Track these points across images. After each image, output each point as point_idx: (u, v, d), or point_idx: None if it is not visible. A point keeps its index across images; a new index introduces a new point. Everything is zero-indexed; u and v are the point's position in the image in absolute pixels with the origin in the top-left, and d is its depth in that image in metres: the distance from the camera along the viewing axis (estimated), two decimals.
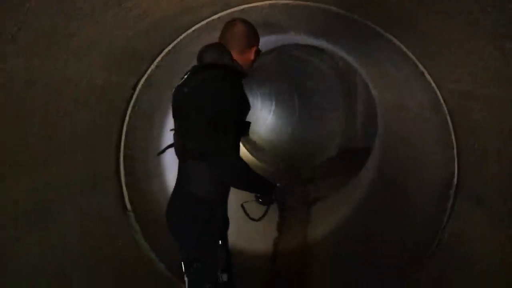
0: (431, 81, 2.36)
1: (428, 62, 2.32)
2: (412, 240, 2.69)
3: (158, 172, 3.14)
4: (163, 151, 2.20)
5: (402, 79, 2.91)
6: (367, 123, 6.63)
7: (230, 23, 1.99)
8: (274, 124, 10.69)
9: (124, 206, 2.76)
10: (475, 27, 1.66)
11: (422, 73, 2.38)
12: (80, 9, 1.61)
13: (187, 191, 1.91)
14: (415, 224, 2.71)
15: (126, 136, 2.71)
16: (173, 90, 1.96)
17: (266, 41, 4.05)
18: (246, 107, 1.85)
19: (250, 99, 8.63)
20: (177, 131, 1.96)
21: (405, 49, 2.40)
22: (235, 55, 1.95)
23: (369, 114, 5.99)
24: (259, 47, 2.02)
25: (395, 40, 2.40)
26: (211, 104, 1.72)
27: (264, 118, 11.37)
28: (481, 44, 1.74)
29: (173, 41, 2.58)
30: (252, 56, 1.99)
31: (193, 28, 2.54)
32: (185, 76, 1.95)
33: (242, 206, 2.07)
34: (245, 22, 1.99)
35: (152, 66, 2.62)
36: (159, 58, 2.60)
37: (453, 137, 2.38)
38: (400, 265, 2.68)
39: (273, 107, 11.39)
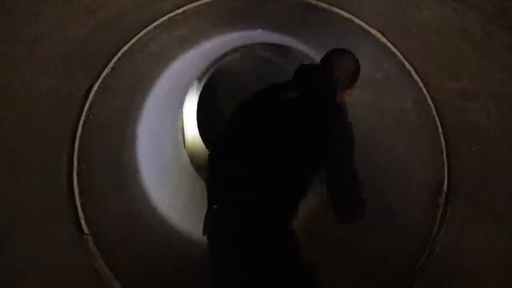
0: (417, 77, 2.18)
1: (412, 55, 2.14)
2: (398, 253, 2.51)
3: (120, 187, 2.80)
4: None
5: (381, 76, 2.73)
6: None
7: (343, 54, 1.92)
8: None
9: (80, 229, 2.41)
10: (468, 12, 1.46)
11: (406, 69, 2.19)
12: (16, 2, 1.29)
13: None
14: (401, 236, 2.53)
15: (79, 150, 2.36)
16: (259, 98, 1.90)
17: (230, 39, 3.79)
18: None
19: (213, 102, 8.32)
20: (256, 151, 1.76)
21: (385, 41, 2.20)
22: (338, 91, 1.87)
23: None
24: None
25: (373, 31, 2.19)
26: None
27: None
28: (475, 30, 1.54)
29: (131, 39, 2.26)
30: (347, 96, 1.97)
31: (154, 24, 2.23)
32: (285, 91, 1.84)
33: None
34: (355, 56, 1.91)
35: (107, 69, 2.29)
36: (115, 59, 2.27)
37: (442, 139, 2.22)
38: (386, 281, 2.49)
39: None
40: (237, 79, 8.63)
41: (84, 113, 2.32)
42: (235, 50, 5.98)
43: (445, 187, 2.25)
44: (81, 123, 2.33)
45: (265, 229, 1.68)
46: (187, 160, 5.16)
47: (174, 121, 4.95)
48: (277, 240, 1.68)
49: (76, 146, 2.35)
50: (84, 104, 2.30)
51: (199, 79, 6.53)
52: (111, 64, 2.28)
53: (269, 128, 1.76)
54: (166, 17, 2.21)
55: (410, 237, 2.45)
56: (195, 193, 4.76)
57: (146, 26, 2.24)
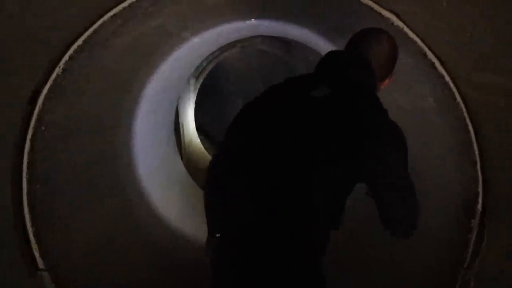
0: (443, 71, 1.71)
1: (437, 42, 1.68)
2: (424, 283, 2.05)
3: (82, 210, 2.37)
4: None
5: (398, 70, 2.27)
6: None
7: (375, 34, 1.52)
8: None
9: (34, 264, 2.00)
10: None
11: (430, 61, 1.73)
12: None
13: None
14: (427, 262, 2.07)
15: (28, 168, 1.94)
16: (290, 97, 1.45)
17: (222, 32, 3.35)
18: None
19: (216, 99, 7.90)
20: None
21: (401, 25, 1.73)
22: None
23: None
24: None
25: (385, 13, 1.73)
26: None
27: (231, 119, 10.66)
28: None
29: (85, 32, 1.84)
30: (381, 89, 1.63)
31: (112, 13, 1.80)
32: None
33: None
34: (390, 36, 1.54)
35: (58, 70, 1.86)
36: (66, 57, 1.85)
37: (475, 148, 1.75)
38: None
39: (240, 108, 10.70)
40: (238, 76, 8.19)
41: (32, 123, 1.90)
42: (232, 45, 5.55)
43: (479, 207, 1.79)
44: (28, 135, 1.91)
45: (285, 270, 1.27)
46: (181, 166, 4.75)
47: (168, 123, 4.54)
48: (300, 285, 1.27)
49: (25, 162, 1.94)
50: (31, 113, 1.88)
51: (196, 77, 6.11)
52: (61, 64, 1.85)
53: (295, 136, 1.33)
54: (126, 3, 1.77)
55: (434, 268, 1.99)
56: (190, 195, 4.39)
57: (103, 16, 1.80)
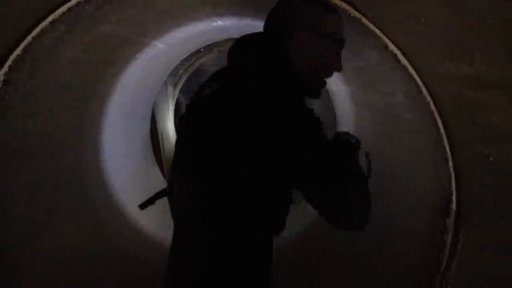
0: (406, 63, 1.61)
1: (397, 32, 1.57)
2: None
3: (37, 233, 2.21)
4: None
5: (362, 64, 2.16)
6: (326, 122, 5.95)
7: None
8: None
9: None
10: None
11: (392, 52, 1.63)
12: None
13: None
14: (403, 266, 1.96)
15: None
16: None
17: (193, 34, 3.22)
18: None
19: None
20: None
21: (358, 16, 1.63)
22: None
23: (327, 114, 5.29)
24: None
25: (341, 4, 1.61)
26: None
27: None
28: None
29: (25, 37, 1.70)
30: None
31: (51, 18, 1.67)
32: None
33: None
34: None
35: None
36: (5, 68, 1.71)
37: (446, 143, 1.65)
38: None
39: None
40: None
41: None
42: (208, 50, 5.44)
43: (454, 206, 1.69)
44: None
45: (230, 273, 1.19)
46: (160, 176, 4.61)
47: (142, 133, 4.39)
48: None
49: None
50: None
51: (174, 85, 5.99)
52: (0, 75, 1.72)
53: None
54: (64, 8, 1.64)
55: (411, 272, 1.88)
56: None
57: (40, 22, 1.67)
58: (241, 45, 1.29)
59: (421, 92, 1.61)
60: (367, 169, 1.40)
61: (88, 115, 2.59)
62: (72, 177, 2.59)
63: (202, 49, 5.43)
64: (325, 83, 1.37)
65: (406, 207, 1.91)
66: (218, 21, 2.99)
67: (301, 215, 3.22)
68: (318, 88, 1.36)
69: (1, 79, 1.73)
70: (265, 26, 1.33)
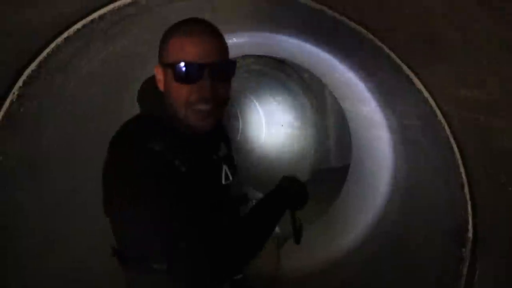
0: (420, 86, 1.57)
1: (411, 55, 1.54)
2: None
3: (50, 245, 2.21)
4: None
5: (375, 85, 2.13)
6: (342, 142, 5.90)
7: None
8: (242, 145, 9.89)
9: None
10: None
11: (406, 75, 1.59)
12: None
13: None
14: None
15: None
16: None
17: None
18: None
19: None
20: None
21: (373, 39, 1.60)
22: None
23: (343, 132, 5.25)
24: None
25: (354, 26, 1.59)
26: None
27: (233, 139, 10.59)
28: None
29: (41, 52, 1.73)
30: (161, 84, 1.14)
31: (66, 35, 1.70)
32: None
33: None
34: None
35: (12, 96, 1.75)
36: (20, 83, 1.73)
37: (461, 169, 1.60)
38: None
39: (241, 128, 10.63)
40: (233, 97, 8.10)
41: None
42: None
43: (470, 235, 1.62)
44: None
45: None
46: None
47: None
48: None
49: None
50: None
51: None
52: (14, 90, 1.74)
53: None
54: (79, 25, 1.66)
55: None
56: None
57: (56, 37, 1.69)
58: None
59: (436, 115, 1.56)
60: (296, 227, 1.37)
61: (100, 129, 2.61)
62: (84, 191, 2.59)
63: None
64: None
65: (421, 230, 1.84)
66: (233, 39, 3.00)
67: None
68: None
69: (16, 93, 1.76)
70: None
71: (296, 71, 6.34)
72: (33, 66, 1.72)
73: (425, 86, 1.52)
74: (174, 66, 1.05)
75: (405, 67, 1.53)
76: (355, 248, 2.57)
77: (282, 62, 6.23)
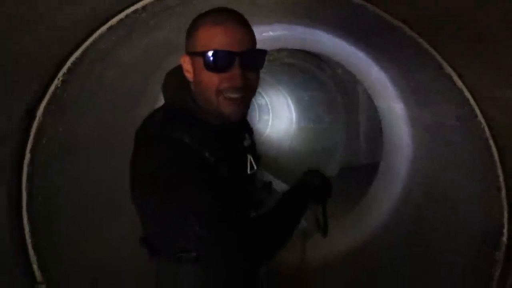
0: (462, 86, 1.54)
1: (455, 54, 1.51)
2: None
3: (88, 226, 2.31)
4: None
5: (415, 84, 2.09)
6: (372, 139, 5.82)
7: None
8: (271, 137, 9.90)
9: (32, 277, 1.96)
10: None
11: (447, 74, 1.56)
12: None
13: None
14: None
15: (28, 180, 1.91)
16: None
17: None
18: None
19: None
20: None
21: (414, 36, 1.57)
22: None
23: (374, 129, 5.17)
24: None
25: (397, 23, 1.57)
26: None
27: (262, 131, 10.61)
28: None
29: (85, 40, 1.79)
30: (188, 73, 1.13)
31: (109, 24, 1.75)
32: None
33: None
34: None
35: (57, 82, 1.83)
36: (64, 69, 1.81)
37: (499, 171, 1.56)
38: None
39: (270, 120, 10.64)
40: (265, 89, 8.13)
41: (31, 137, 1.87)
42: None
43: (504, 239, 1.59)
44: (28, 148, 1.88)
45: None
46: None
47: None
48: None
49: (24, 176, 1.90)
50: (30, 125, 1.85)
51: None
52: (59, 76, 1.81)
53: None
54: (122, 15, 1.71)
55: None
56: None
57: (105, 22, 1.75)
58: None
59: (476, 116, 1.53)
60: (320, 221, 1.36)
61: (139, 119, 2.68)
62: (122, 181, 2.67)
63: None
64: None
65: (455, 236, 1.82)
66: (270, 32, 3.01)
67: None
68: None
69: (60, 79, 1.83)
70: None
71: (329, 66, 6.28)
72: (77, 53, 1.79)
73: (467, 87, 1.49)
74: (204, 54, 1.04)
75: (445, 65, 1.51)
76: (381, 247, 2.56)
77: (317, 57, 6.18)
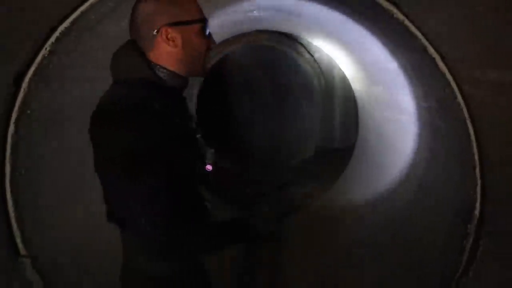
0: (444, 68, 1.62)
1: (438, 36, 1.58)
2: None
3: (72, 198, 2.31)
4: None
5: (396, 67, 2.17)
6: (348, 122, 5.95)
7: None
8: (247, 120, 9.93)
9: (15, 250, 1.95)
10: None
11: (430, 57, 1.64)
12: None
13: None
14: (420, 268, 1.98)
15: (12, 152, 1.88)
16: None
17: (230, 21, 3.26)
18: (182, 142, 1.17)
19: (220, 95, 7.86)
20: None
21: (401, 18, 1.63)
22: (151, 54, 1.20)
23: (350, 113, 5.29)
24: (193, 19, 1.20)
25: (384, 4, 1.62)
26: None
27: (237, 114, 10.61)
28: None
29: (75, 10, 1.76)
30: (165, 46, 1.18)
31: None
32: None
33: None
34: None
35: (44, 51, 1.80)
36: (52, 39, 1.78)
37: (475, 150, 1.66)
38: None
39: (247, 103, 10.64)
40: (242, 71, 8.11)
41: (16, 106, 1.84)
42: (236, 40, 5.47)
43: (476, 213, 1.70)
44: (13, 118, 1.85)
45: None
46: None
47: None
48: None
49: (8, 146, 1.88)
50: (16, 95, 1.82)
51: None
52: (47, 45, 1.78)
53: None
54: None
55: (425, 275, 1.90)
56: None
57: None
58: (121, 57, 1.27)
59: (455, 97, 1.62)
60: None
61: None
62: None
63: (230, 39, 5.47)
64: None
65: (428, 208, 1.93)
66: (254, 12, 3.02)
67: None
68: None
69: (48, 49, 1.80)
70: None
71: (307, 50, 6.33)
72: (66, 23, 1.77)
73: (449, 69, 1.57)
74: (205, 21, 1.22)
75: (430, 48, 1.58)
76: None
77: (294, 40, 6.21)
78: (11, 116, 1.84)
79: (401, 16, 1.56)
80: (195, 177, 1.27)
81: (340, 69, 4.84)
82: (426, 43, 1.57)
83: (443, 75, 1.61)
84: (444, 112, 1.84)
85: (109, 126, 1.11)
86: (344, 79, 5.01)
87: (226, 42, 5.45)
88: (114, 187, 1.12)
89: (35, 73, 1.82)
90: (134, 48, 1.21)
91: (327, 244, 2.81)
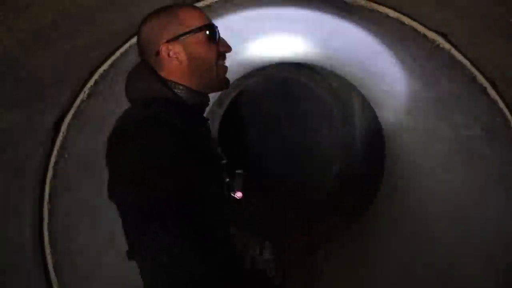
0: (496, 96, 1.56)
1: (489, 67, 1.54)
2: None
3: (108, 243, 2.25)
4: None
5: (437, 95, 2.12)
6: (370, 150, 5.87)
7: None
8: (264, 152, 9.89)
9: None
10: None
11: (481, 86, 1.59)
12: None
13: None
14: None
15: (50, 197, 1.86)
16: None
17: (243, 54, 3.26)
18: (203, 161, 1.05)
19: (237, 128, 7.87)
20: None
21: (447, 47, 1.60)
22: (163, 73, 1.14)
23: (373, 141, 5.21)
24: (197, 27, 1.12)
25: (426, 33, 1.59)
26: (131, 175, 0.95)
27: (253, 146, 10.59)
28: None
29: (114, 53, 1.77)
30: (171, 63, 1.13)
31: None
32: None
33: None
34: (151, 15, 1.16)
35: (82, 95, 1.80)
36: (91, 82, 1.78)
37: None
38: None
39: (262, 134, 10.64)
40: (262, 103, 8.15)
41: (55, 151, 1.83)
42: (251, 74, 5.54)
43: None
44: (51, 163, 1.83)
45: None
46: None
47: None
48: None
49: (47, 192, 1.85)
50: (53, 141, 1.81)
51: (219, 105, 6.09)
52: (87, 87, 1.79)
53: None
54: None
55: None
56: None
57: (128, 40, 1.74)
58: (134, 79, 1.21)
59: (509, 126, 1.55)
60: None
61: None
62: None
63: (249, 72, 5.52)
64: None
65: (473, 252, 1.83)
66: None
67: None
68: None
69: (87, 92, 1.81)
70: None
71: (325, 79, 6.34)
72: (105, 65, 1.77)
73: (500, 97, 1.51)
74: (211, 27, 1.14)
75: (480, 76, 1.53)
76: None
77: (311, 69, 6.24)
78: (50, 161, 1.83)
79: (447, 46, 1.52)
80: (221, 205, 1.16)
81: (364, 98, 4.80)
82: (476, 72, 1.52)
83: (495, 103, 1.55)
84: (492, 141, 1.77)
85: (127, 145, 1.00)
86: (365, 106, 4.97)
87: (246, 75, 5.50)
88: (131, 209, 0.97)
89: (73, 117, 1.82)
90: (147, 67, 1.16)
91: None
